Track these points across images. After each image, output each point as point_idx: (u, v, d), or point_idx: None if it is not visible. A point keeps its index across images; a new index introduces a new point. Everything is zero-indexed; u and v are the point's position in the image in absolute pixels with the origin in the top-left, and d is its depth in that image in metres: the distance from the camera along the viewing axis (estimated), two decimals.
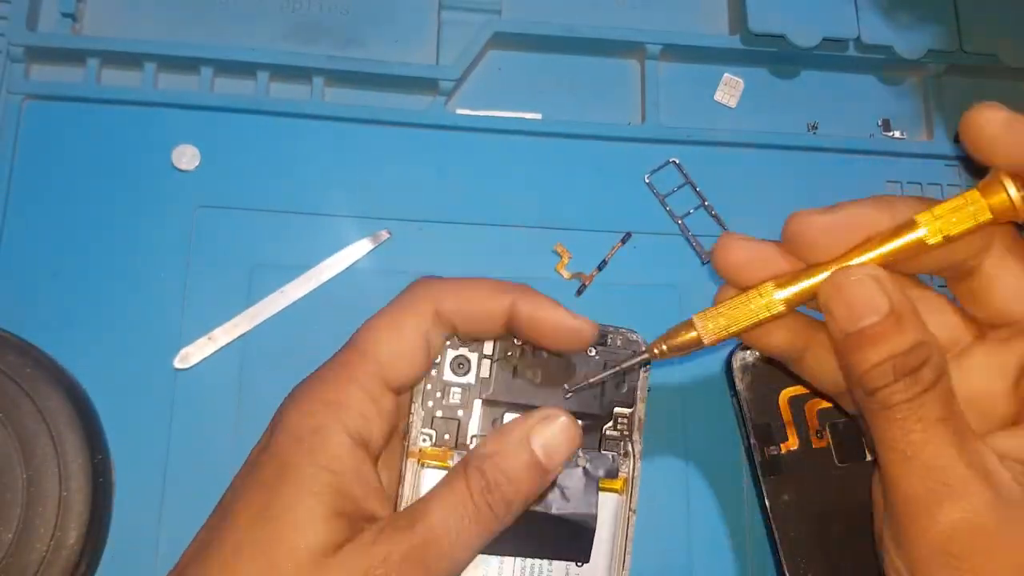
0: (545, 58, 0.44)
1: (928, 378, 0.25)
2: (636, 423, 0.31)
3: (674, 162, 0.42)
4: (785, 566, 0.35)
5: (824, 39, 0.42)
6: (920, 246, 0.26)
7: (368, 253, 0.39)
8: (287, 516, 0.25)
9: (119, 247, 0.38)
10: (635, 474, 0.31)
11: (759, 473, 0.36)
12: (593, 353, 0.31)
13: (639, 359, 0.29)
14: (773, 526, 0.36)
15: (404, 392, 0.29)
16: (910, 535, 0.25)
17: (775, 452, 0.37)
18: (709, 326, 0.28)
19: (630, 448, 0.31)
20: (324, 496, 0.26)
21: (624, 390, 0.31)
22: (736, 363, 0.38)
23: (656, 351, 0.29)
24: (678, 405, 0.39)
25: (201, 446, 0.36)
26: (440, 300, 0.28)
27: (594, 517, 0.30)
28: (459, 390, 0.30)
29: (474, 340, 0.30)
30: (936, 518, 0.24)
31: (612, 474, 0.31)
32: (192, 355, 0.37)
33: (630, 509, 0.31)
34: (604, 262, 0.40)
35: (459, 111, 0.42)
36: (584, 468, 0.30)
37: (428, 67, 0.42)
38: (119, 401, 0.36)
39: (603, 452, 0.30)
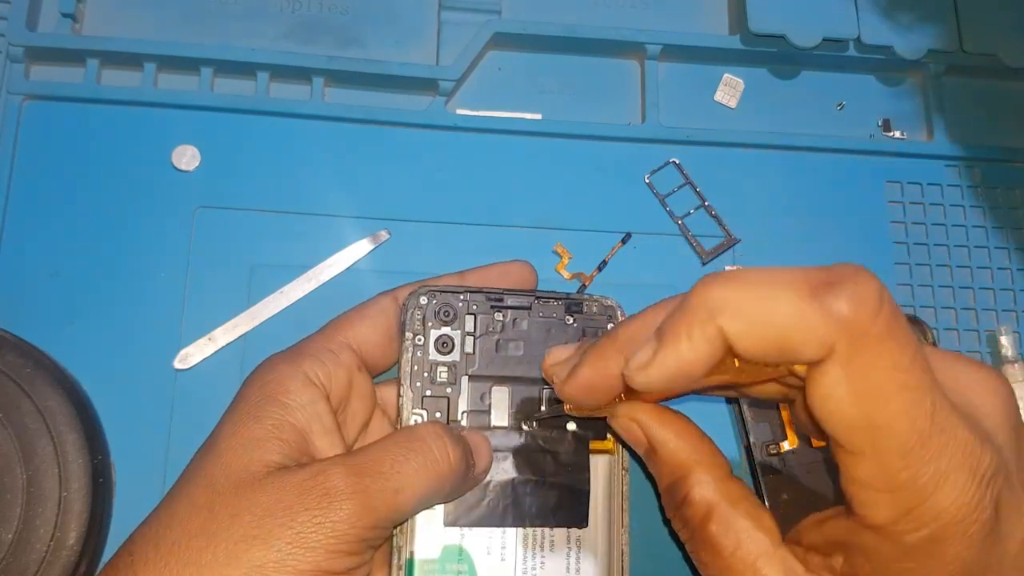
0: (545, 58, 0.44)
1: (691, 520, 0.26)
2: None
3: (674, 162, 0.42)
4: None
5: (824, 39, 0.42)
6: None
7: (368, 253, 0.39)
8: (229, 441, 0.27)
9: (119, 247, 0.38)
10: None
11: (759, 473, 0.36)
12: (571, 321, 0.32)
13: (556, 411, 0.31)
14: None
15: (376, 363, 0.32)
16: None
17: (774, 452, 0.37)
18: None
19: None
20: (266, 419, 0.27)
21: None
22: None
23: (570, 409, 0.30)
24: (678, 406, 0.39)
25: None
26: (396, 291, 0.32)
27: (587, 480, 0.31)
28: (445, 369, 0.31)
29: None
30: None
31: (601, 435, 0.32)
32: (192, 355, 0.37)
33: (623, 468, 0.32)
34: (604, 262, 0.40)
35: (459, 111, 0.42)
36: (574, 432, 0.31)
37: (428, 67, 0.42)
38: (119, 401, 0.36)
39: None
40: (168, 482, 0.35)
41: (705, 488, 0.26)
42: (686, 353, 0.21)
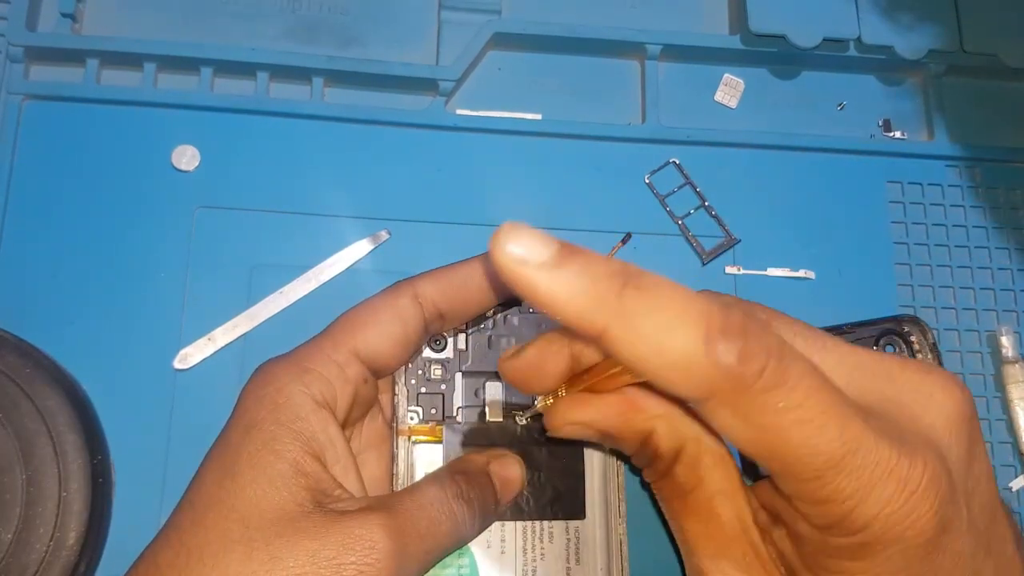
0: (545, 58, 0.44)
1: (660, 468, 0.27)
2: None
3: (674, 162, 0.42)
4: None
5: (824, 39, 0.42)
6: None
7: (368, 253, 0.39)
8: (250, 474, 0.26)
9: (119, 247, 0.38)
10: None
11: (759, 473, 0.36)
12: None
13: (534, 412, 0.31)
14: None
15: (384, 370, 0.30)
16: None
17: None
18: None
19: None
20: (286, 453, 0.26)
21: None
22: None
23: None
24: None
25: (201, 447, 0.35)
26: (417, 284, 0.30)
27: (582, 472, 0.31)
28: (439, 366, 0.31)
29: (462, 320, 0.31)
30: None
31: None
32: (192, 356, 0.37)
33: (617, 459, 0.32)
34: None
35: (459, 111, 0.42)
36: None
37: (428, 67, 0.42)
38: (119, 402, 0.36)
39: None
40: (168, 482, 0.36)
41: (668, 437, 0.26)
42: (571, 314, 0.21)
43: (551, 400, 0.28)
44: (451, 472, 0.29)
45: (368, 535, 0.25)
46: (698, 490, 0.26)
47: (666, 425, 0.26)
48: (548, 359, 0.26)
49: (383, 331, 0.29)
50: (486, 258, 0.30)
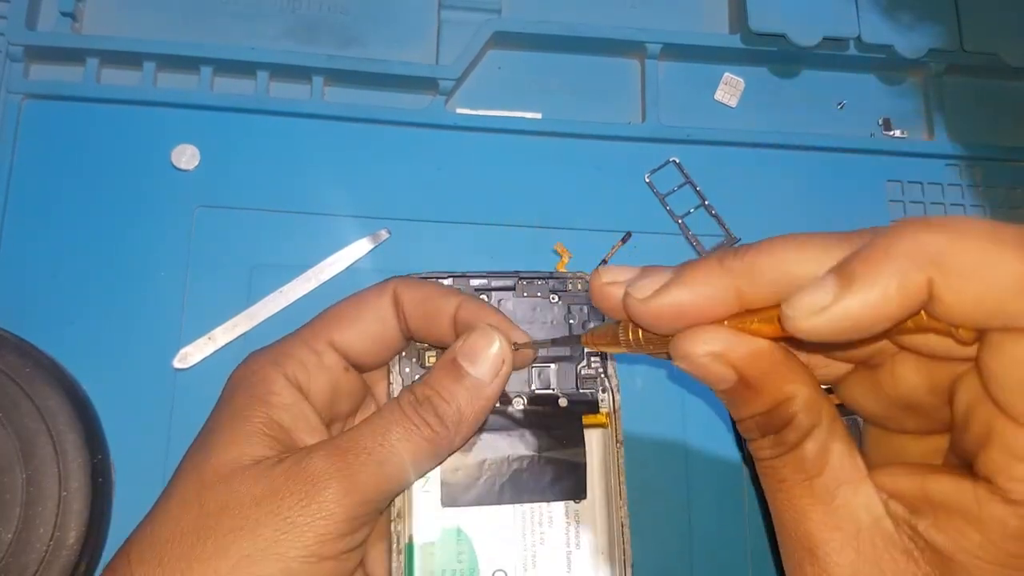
0: (545, 57, 0.44)
1: (790, 439, 0.23)
2: (608, 357, 0.31)
3: (674, 162, 0.42)
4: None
5: (824, 38, 0.42)
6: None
7: (368, 253, 0.39)
8: (216, 437, 0.27)
9: (119, 247, 0.38)
10: (616, 406, 0.31)
11: (759, 473, 0.36)
12: (555, 299, 0.32)
13: (574, 342, 0.30)
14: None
15: (365, 365, 0.30)
16: None
17: None
18: (629, 336, 0.26)
19: (607, 383, 0.32)
20: (254, 419, 0.27)
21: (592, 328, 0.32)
22: None
23: (585, 339, 0.28)
24: (678, 405, 0.39)
25: None
26: (398, 287, 0.30)
27: (583, 453, 0.31)
28: (433, 353, 0.31)
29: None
30: None
31: (593, 408, 0.32)
32: (192, 355, 0.37)
33: (617, 441, 0.32)
34: (604, 262, 0.40)
35: (459, 111, 0.42)
36: (566, 407, 0.31)
37: (428, 67, 0.42)
38: (119, 401, 0.36)
39: (581, 391, 0.32)
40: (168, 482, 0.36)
41: (811, 408, 0.23)
42: (879, 303, 0.18)
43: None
44: (411, 388, 0.28)
45: (309, 464, 0.25)
46: (824, 475, 0.23)
47: (808, 395, 0.23)
48: (702, 304, 0.23)
49: (362, 328, 0.30)
50: (464, 299, 0.29)
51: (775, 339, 0.23)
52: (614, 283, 0.25)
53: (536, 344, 0.30)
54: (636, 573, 0.30)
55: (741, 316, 0.23)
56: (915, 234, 0.18)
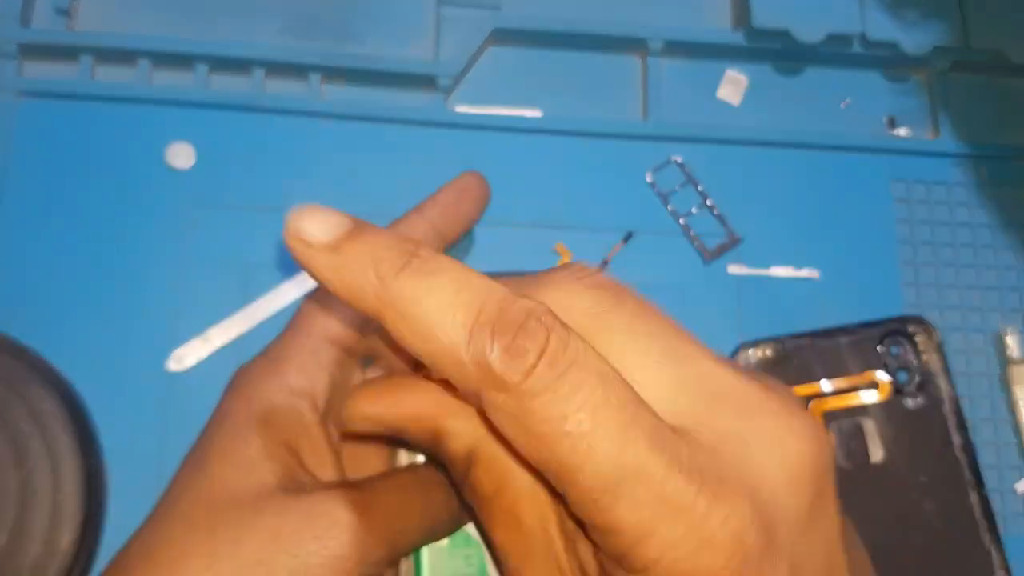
0: (545, 54, 0.43)
1: (456, 473, 0.25)
2: None
3: (676, 160, 0.42)
4: None
5: (829, 35, 0.42)
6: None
7: None
8: (219, 460, 0.26)
9: (113, 247, 0.38)
10: None
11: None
12: None
13: None
14: None
15: (354, 351, 0.30)
16: None
17: None
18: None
19: None
20: (257, 442, 0.26)
21: None
22: (736, 361, 0.37)
23: None
24: None
25: None
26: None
27: None
28: None
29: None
30: None
31: None
32: (187, 357, 0.37)
33: None
34: (605, 262, 0.40)
35: (458, 108, 0.42)
36: None
37: (427, 63, 0.41)
38: (113, 403, 0.36)
39: None
40: (163, 485, 0.35)
41: (461, 437, 0.24)
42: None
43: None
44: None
45: (331, 509, 0.25)
46: (501, 495, 0.23)
47: (461, 425, 0.24)
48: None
49: (350, 314, 0.29)
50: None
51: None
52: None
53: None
54: None
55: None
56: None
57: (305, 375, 0.28)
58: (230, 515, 0.25)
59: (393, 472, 0.28)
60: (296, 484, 0.26)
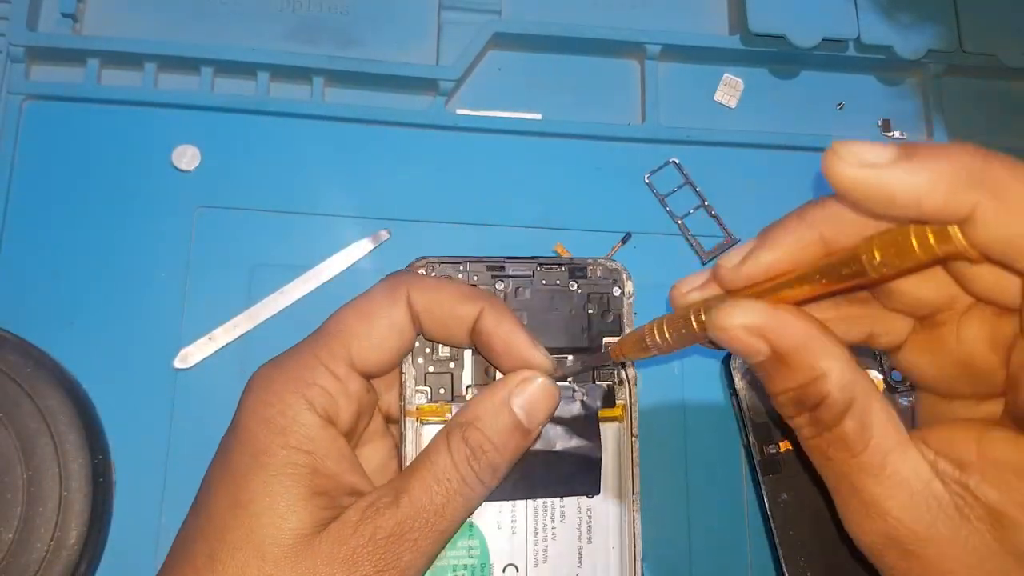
0: (545, 58, 0.44)
1: (825, 418, 0.24)
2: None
3: (674, 162, 0.42)
4: (784, 565, 0.35)
5: (824, 39, 0.42)
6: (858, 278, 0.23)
7: (368, 253, 0.39)
8: (264, 501, 0.25)
9: (119, 247, 0.38)
10: (632, 400, 0.31)
11: (758, 472, 0.36)
12: (575, 287, 0.31)
13: (604, 360, 0.30)
14: (772, 525, 0.36)
15: (376, 376, 0.29)
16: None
17: (774, 451, 0.37)
18: (656, 338, 0.27)
19: (624, 375, 0.31)
20: (300, 477, 0.26)
21: (610, 319, 0.31)
22: (735, 363, 0.38)
23: (615, 353, 0.28)
24: (678, 405, 0.39)
25: (201, 446, 0.35)
26: (412, 291, 0.28)
27: (599, 448, 0.30)
28: (447, 351, 0.30)
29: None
30: (861, 540, 0.24)
31: (610, 402, 0.31)
32: (192, 355, 0.37)
33: (632, 434, 0.31)
34: None
35: (459, 111, 0.42)
36: (582, 401, 0.31)
37: (428, 67, 0.42)
38: (120, 401, 0.36)
39: (597, 383, 0.31)
40: (169, 482, 0.36)
41: (845, 385, 0.23)
42: (926, 186, 0.19)
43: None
44: (460, 428, 0.27)
45: (376, 533, 0.26)
46: (869, 449, 0.23)
47: (840, 373, 0.23)
48: (801, 253, 0.23)
49: (378, 342, 0.28)
50: (486, 306, 0.28)
51: (815, 297, 0.24)
52: (692, 289, 0.25)
53: (570, 372, 0.30)
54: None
55: (778, 283, 0.24)
56: (975, 156, 0.19)
57: (335, 401, 0.27)
58: (284, 564, 0.25)
59: (427, 463, 0.28)
60: (342, 511, 0.26)
